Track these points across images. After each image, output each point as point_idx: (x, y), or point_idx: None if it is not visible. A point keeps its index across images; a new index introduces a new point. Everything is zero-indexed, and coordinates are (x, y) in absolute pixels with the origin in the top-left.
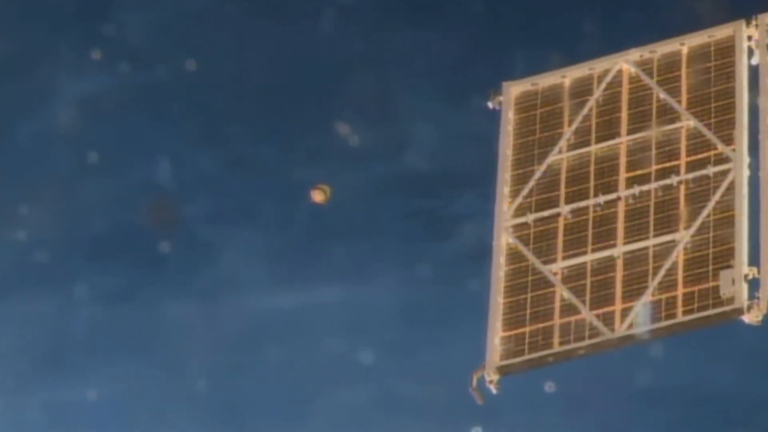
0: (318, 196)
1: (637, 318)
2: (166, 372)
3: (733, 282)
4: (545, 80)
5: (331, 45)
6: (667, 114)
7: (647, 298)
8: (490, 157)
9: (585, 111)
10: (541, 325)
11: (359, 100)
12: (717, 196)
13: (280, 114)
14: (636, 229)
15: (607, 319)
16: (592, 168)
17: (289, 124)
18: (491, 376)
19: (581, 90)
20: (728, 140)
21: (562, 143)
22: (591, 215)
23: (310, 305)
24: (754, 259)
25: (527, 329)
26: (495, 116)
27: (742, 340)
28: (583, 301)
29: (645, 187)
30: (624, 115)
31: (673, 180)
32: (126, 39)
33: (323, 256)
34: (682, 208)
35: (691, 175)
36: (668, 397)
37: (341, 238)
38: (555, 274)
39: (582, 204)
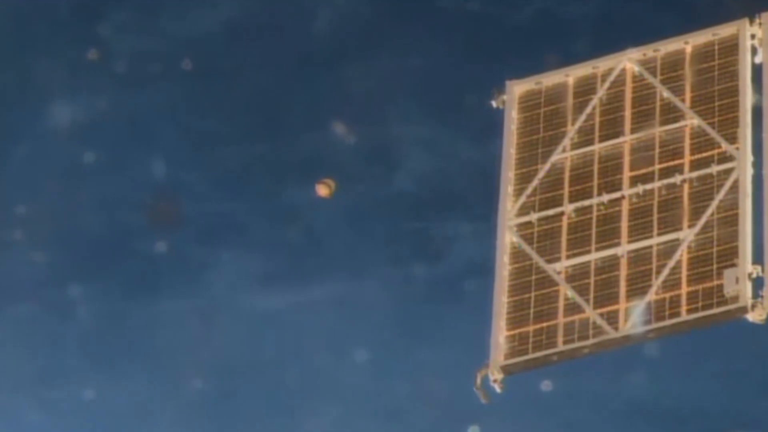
0: (323, 191)
1: (633, 318)
2: (159, 390)
3: (737, 280)
4: (549, 79)
5: (322, 69)
6: (671, 112)
7: (650, 297)
8: (479, 179)
9: (588, 110)
10: (545, 324)
11: (350, 122)
12: (721, 195)
13: (271, 135)
14: (640, 228)
15: (611, 318)
16: (595, 167)
17: (281, 145)
18: (495, 375)
19: (585, 89)
20: (732, 139)
21: (566, 142)
22: (594, 214)
23: (305, 326)
24: (758, 258)
25: (531, 328)
26: (484, 139)
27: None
28: (587, 300)
29: (648, 186)
30: (627, 113)
31: (677, 179)
32: (114, 62)
33: (314, 277)
34: (686, 206)
35: (694, 174)
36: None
37: (332, 258)
38: (559, 272)
39: (586, 203)
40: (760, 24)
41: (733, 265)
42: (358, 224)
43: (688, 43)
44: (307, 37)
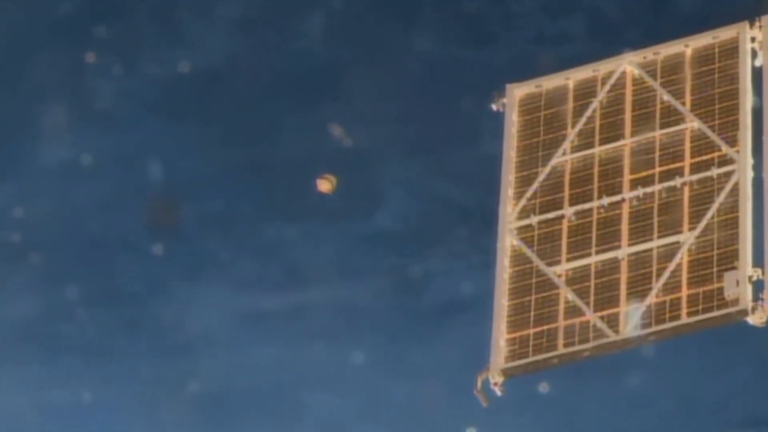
0: (324, 186)
1: (633, 321)
2: (157, 391)
3: (738, 283)
4: (549, 82)
5: (303, 110)
6: (671, 115)
7: (650, 300)
8: (458, 217)
9: (589, 113)
10: (545, 327)
11: (332, 160)
12: (721, 198)
13: (254, 174)
14: (640, 231)
15: (612, 321)
16: (596, 170)
17: (263, 183)
18: (496, 378)
19: (585, 92)
20: (732, 142)
21: (566, 145)
22: (595, 217)
23: (286, 362)
24: (759, 261)
25: (531, 331)
26: (465, 177)
27: None
28: (588, 303)
29: (649, 189)
30: (628, 116)
31: (677, 181)
32: (98, 104)
33: (298, 314)
34: (686, 209)
35: (695, 177)
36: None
37: (315, 294)
38: (559, 276)
39: (586, 206)
40: (760, 27)
41: (734, 268)
42: (339, 261)
43: (688, 46)
44: (287, 78)
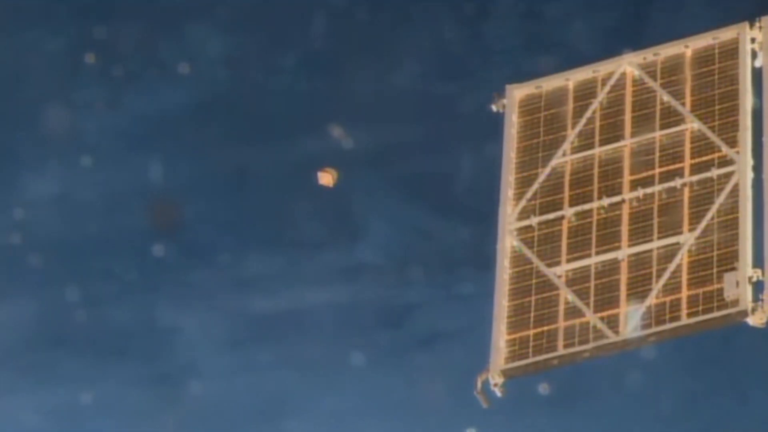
0: (325, 179)
1: (633, 322)
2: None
3: (738, 284)
4: (549, 83)
5: (285, 144)
6: (671, 116)
7: (650, 300)
8: (439, 249)
9: (589, 113)
10: (545, 328)
11: (314, 194)
12: (721, 199)
13: (236, 208)
14: (640, 232)
15: (612, 322)
16: (595, 171)
17: (248, 215)
18: (496, 379)
19: (585, 93)
20: (732, 143)
21: (566, 146)
22: (595, 218)
23: (268, 391)
24: (758, 262)
25: (531, 332)
26: (444, 210)
27: None
28: (588, 304)
29: (649, 190)
30: (628, 117)
31: (677, 182)
32: (83, 140)
33: (280, 343)
34: (686, 210)
35: (695, 178)
36: None
37: (296, 326)
38: (559, 276)
39: (586, 207)
40: (760, 28)
41: (734, 269)
42: (321, 291)
43: (688, 47)
44: (268, 112)
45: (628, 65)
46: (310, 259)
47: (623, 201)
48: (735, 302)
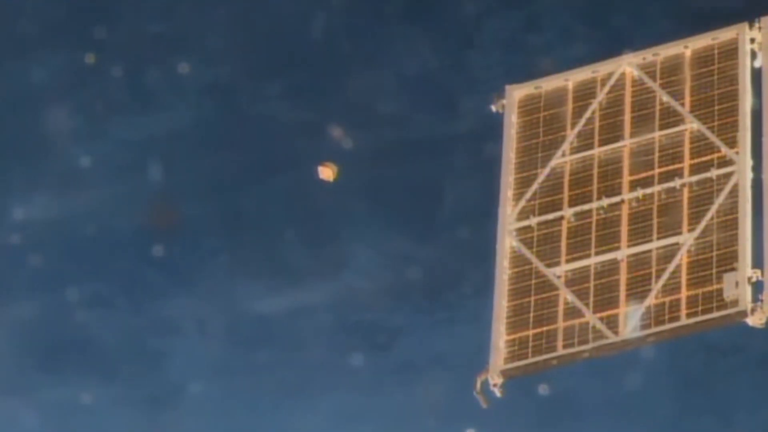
0: (325, 173)
1: (632, 322)
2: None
3: (737, 285)
4: (548, 83)
5: (273, 172)
6: (670, 116)
7: (649, 301)
8: (422, 274)
9: (588, 114)
10: (545, 329)
11: (300, 222)
12: (720, 199)
13: (224, 234)
14: (639, 232)
15: (611, 322)
16: (595, 171)
17: (234, 242)
18: (495, 380)
19: (584, 93)
20: (731, 143)
21: (566, 146)
22: (594, 218)
23: (257, 416)
24: (758, 262)
25: (531, 332)
26: (429, 234)
27: None
28: (587, 304)
29: (648, 190)
30: (627, 118)
31: (677, 183)
32: (69, 167)
33: (268, 368)
34: (686, 210)
35: (694, 178)
36: None
37: (284, 351)
38: (559, 277)
39: (585, 207)
40: (759, 28)
41: (733, 269)
42: (307, 317)
43: (687, 47)
44: (254, 142)
45: (627, 65)
46: (297, 284)
47: (622, 201)
48: (734, 302)
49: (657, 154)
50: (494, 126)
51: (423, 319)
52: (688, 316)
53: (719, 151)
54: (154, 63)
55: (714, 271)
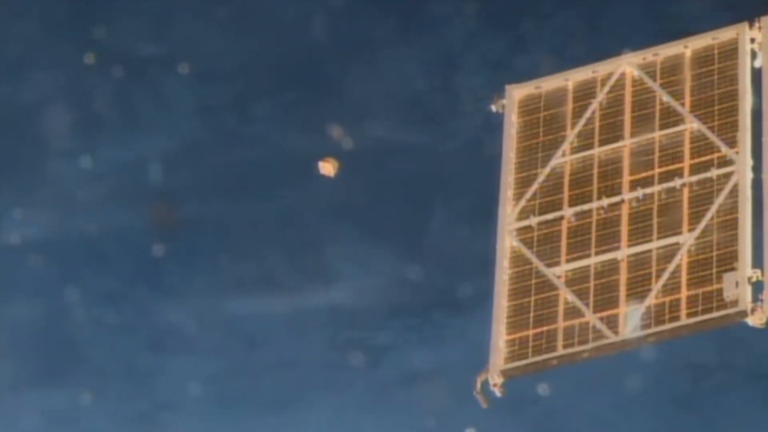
0: (326, 168)
1: (633, 322)
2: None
3: (737, 285)
4: (548, 83)
5: (262, 190)
6: (670, 116)
7: (649, 301)
8: (407, 293)
9: (588, 114)
10: (545, 328)
11: (290, 240)
12: (720, 199)
13: (213, 252)
14: (639, 232)
15: (611, 322)
16: (595, 171)
17: (223, 259)
18: (495, 380)
19: (584, 93)
20: (731, 143)
21: (566, 146)
22: (594, 218)
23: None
24: (758, 262)
25: (531, 332)
26: (418, 253)
27: None
28: (587, 304)
29: (648, 190)
30: (627, 117)
31: (677, 182)
32: (60, 188)
33: (257, 386)
34: (686, 210)
35: (694, 178)
36: None
37: (272, 367)
38: (559, 277)
39: (585, 207)
40: (759, 28)
41: (733, 269)
42: (295, 334)
43: (687, 47)
44: (244, 163)
45: (627, 65)
46: (286, 302)
47: (623, 201)
48: (734, 302)
49: (657, 154)
50: (491, 130)
51: (411, 337)
52: (688, 315)
53: (719, 150)
54: (141, 84)
55: (714, 271)
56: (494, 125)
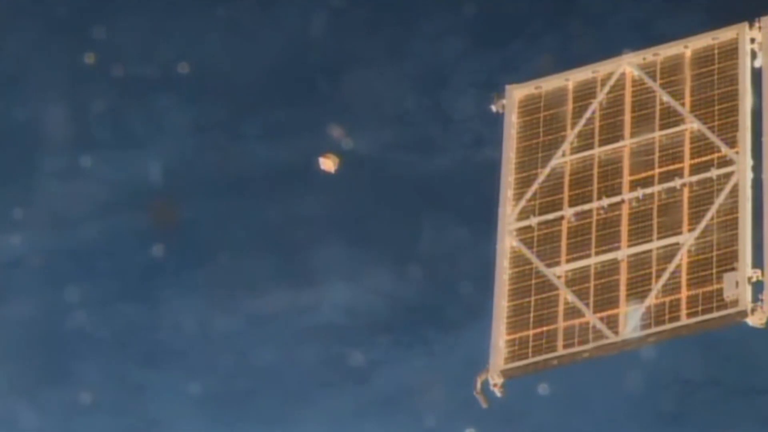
0: (326, 164)
1: (633, 322)
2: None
3: (737, 285)
4: (548, 83)
5: (252, 204)
6: (671, 116)
7: (650, 301)
8: (398, 309)
9: (588, 114)
10: (545, 329)
11: (279, 257)
12: (720, 199)
13: (204, 267)
14: (640, 232)
15: (611, 322)
16: (595, 171)
17: (213, 277)
18: (495, 380)
19: (584, 93)
20: (732, 143)
21: (566, 146)
22: (594, 218)
23: None
24: (758, 262)
25: (531, 332)
26: (408, 270)
27: None
28: (587, 304)
29: (648, 190)
30: (627, 117)
31: (677, 182)
32: (51, 204)
33: (248, 401)
34: (686, 210)
35: (694, 178)
36: None
37: (263, 383)
38: (559, 277)
39: (585, 207)
40: (759, 28)
41: (733, 269)
42: (286, 350)
43: (687, 47)
44: (235, 179)
45: (627, 65)
46: (276, 318)
47: (623, 201)
48: (734, 302)
49: (657, 154)
50: (479, 148)
51: (401, 353)
52: (689, 315)
53: (719, 150)
54: (135, 103)
55: (714, 271)
56: (483, 146)
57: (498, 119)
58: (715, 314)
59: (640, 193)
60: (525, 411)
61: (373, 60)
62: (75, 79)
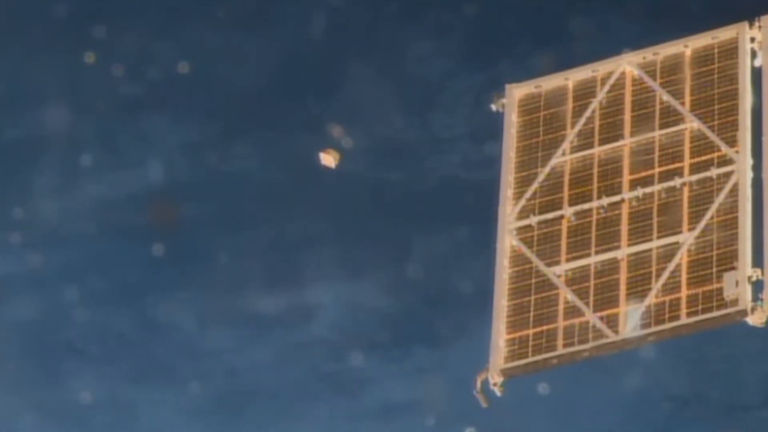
0: (327, 160)
1: (633, 321)
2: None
3: (737, 284)
4: (548, 82)
5: (245, 227)
6: (670, 116)
7: (649, 300)
8: (388, 324)
9: (588, 113)
10: (545, 328)
11: (270, 273)
12: (720, 198)
13: (194, 284)
14: (639, 231)
15: (611, 322)
16: (595, 170)
17: (206, 293)
18: (495, 379)
19: (584, 92)
20: (732, 142)
21: (566, 145)
22: (594, 217)
23: None
24: (758, 261)
25: (531, 331)
26: (398, 285)
27: None
28: (587, 304)
29: (648, 189)
30: (627, 117)
31: (677, 182)
32: (42, 223)
33: (240, 415)
34: (686, 210)
35: (694, 177)
36: None
37: (255, 398)
38: (558, 276)
39: (585, 206)
40: (759, 27)
41: (733, 269)
42: (276, 366)
43: (687, 47)
44: (226, 200)
45: (627, 65)
46: (267, 334)
47: (623, 200)
48: (734, 302)
49: (657, 153)
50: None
51: (391, 368)
52: (688, 315)
53: (719, 150)
54: (125, 121)
55: (714, 270)
56: (471, 165)
57: (488, 138)
58: (715, 313)
59: (639, 192)
60: (513, 429)
61: (360, 78)
62: (66, 94)
